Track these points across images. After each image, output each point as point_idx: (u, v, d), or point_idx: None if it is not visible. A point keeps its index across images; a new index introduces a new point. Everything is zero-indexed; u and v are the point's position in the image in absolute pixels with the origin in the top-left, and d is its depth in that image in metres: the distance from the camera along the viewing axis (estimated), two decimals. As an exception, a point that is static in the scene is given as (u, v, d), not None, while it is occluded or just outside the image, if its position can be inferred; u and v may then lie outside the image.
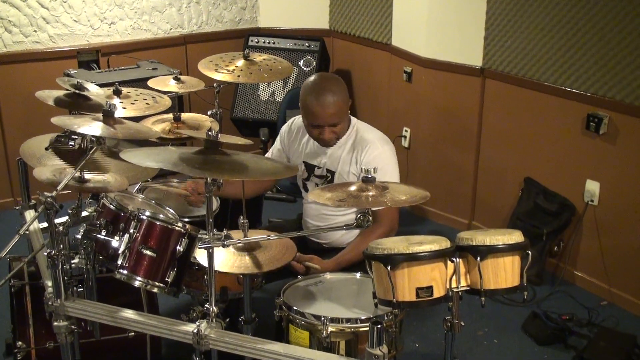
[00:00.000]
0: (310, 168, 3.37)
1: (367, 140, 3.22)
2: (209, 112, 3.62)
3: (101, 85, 3.18)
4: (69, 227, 2.48)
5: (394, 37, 5.09)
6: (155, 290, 2.55)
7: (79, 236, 2.56)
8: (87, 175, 2.54)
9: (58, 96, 2.84)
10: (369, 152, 3.18)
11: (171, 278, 2.53)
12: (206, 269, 2.40)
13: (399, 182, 3.23)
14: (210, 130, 2.35)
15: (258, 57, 3.52)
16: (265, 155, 3.64)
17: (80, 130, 2.48)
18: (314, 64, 5.48)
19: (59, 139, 2.55)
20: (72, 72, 4.70)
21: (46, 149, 2.65)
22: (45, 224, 2.83)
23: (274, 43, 5.57)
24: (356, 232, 3.25)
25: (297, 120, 3.45)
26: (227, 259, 2.52)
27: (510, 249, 2.37)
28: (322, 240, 3.37)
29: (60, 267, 2.42)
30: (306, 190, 3.43)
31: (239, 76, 3.39)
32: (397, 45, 5.06)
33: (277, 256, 2.58)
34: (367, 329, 2.19)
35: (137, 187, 3.36)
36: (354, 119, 3.31)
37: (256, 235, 2.57)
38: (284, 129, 3.51)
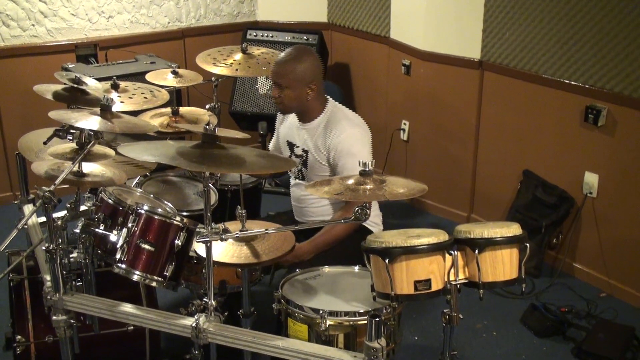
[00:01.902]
0: (291, 146, 3.43)
1: (337, 122, 3.24)
2: (207, 106, 3.62)
3: (99, 80, 3.18)
4: (67, 222, 2.49)
5: (393, 30, 5.08)
6: (154, 284, 2.56)
7: (78, 230, 2.56)
8: (85, 170, 2.54)
9: (56, 90, 2.84)
10: (337, 134, 3.20)
11: (170, 272, 2.54)
12: (205, 262, 2.40)
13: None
14: (208, 124, 2.35)
15: (256, 50, 3.52)
16: (270, 143, 3.70)
17: (78, 124, 2.48)
18: (312, 57, 5.46)
19: (57, 133, 2.55)
20: (70, 66, 4.70)
21: (45, 143, 2.66)
22: (43, 218, 2.85)
23: (272, 36, 5.55)
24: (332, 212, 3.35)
25: None
26: (225, 250, 2.52)
27: (508, 242, 2.37)
28: (299, 219, 3.47)
29: (58, 261, 2.42)
30: (290, 169, 3.49)
31: (237, 70, 3.40)
32: (396, 38, 5.05)
33: (275, 246, 2.58)
34: (366, 322, 2.19)
35: (135, 181, 3.36)
36: (331, 102, 3.33)
37: (254, 226, 2.57)
38: (278, 116, 3.58)
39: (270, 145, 3.69)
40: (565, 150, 4.15)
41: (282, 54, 3.26)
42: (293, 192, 3.52)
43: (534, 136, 4.33)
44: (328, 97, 3.35)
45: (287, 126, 3.46)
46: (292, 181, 3.52)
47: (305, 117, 3.32)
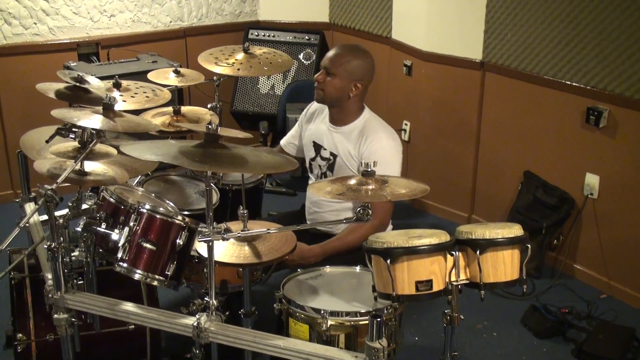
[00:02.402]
0: (317, 148, 3.39)
1: (373, 131, 3.22)
2: (208, 106, 3.62)
3: (101, 78, 3.18)
4: (69, 220, 2.49)
5: (394, 31, 5.08)
6: (155, 283, 2.56)
7: (79, 229, 2.56)
8: (87, 168, 2.55)
9: (59, 89, 2.84)
10: (372, 144, 3.18)
11: (171, 271, 2.53)
12: (206, 261, 2.40)
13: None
14: (210, 123, 2.35)
15: (258, 50, 3.52)
16: (286, 137, 3.70)
17: (81, 123, 2.48)
18: (314, 58, 5.48)
19: (59, 131, 2.55)
20: (72, 64, 4.70)
21: (47, 141, 2.66)
22: (45, 217, 2.84)
23: (273, 36, 5.56)
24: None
25: (314, 104, 3.52)
26: (226, 250, 2.53)
27: (510, 243, 2.37)
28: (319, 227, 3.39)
29: (60, 259, 2.42)
30: (311, 171, 3.48)
31: (239, 69, 3.39)
32: (397, 38, 5.06)
33: (276, 246, 2.58)
34: (367, 322, 2.19)
35: (136, 180, 3.36)
36: (367, 110, 3.33)
37: (256, 226, 2.58)
38: (304, 112, 3.58)
39: (284, 140, 3.68)
40: (567, 152, 4.16)
41: (341, 45, 3.32)
42: (310, 194, 3.47)
43: (535, 137, 4.33)
44: (365, 105, 3.34)
45: (316, 126, 3.43)
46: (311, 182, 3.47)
47: (339, 118, 3.31)
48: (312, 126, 3.46)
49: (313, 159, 3.41)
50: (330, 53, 3.26)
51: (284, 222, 2.74)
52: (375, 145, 3.17)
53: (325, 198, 3.30)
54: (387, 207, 3.19)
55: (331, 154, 3.32)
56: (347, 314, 2.51)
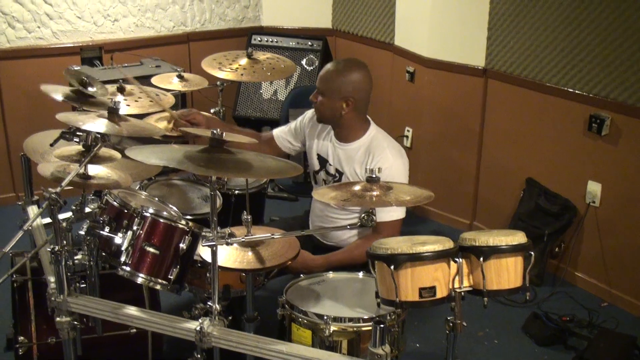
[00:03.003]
0: (322, 162, 3.34)
1: (380, 149, 3.16)
2: (211, 110, 3.63)
3: (104, 83, 3.18)
4: (72, 223, 2.49)
5: (397, 37, 5.09)
6: (158, 287, 2.57)
7: (82, 232, 2.57)
8: (90, 172, 2.55)
9: (65, 91, 2.84)
10: (379, 163, 3.09)
11: (174, 275, 2.54)
12: (209, 266, 2.40)
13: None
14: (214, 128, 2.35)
15: (261, 55, 3.53)
16: (280, 127, 3.58)
17: (85, 126, 2.48)
18: (317, 63, 5.49)
19: (63, 135, 2.56)
20: (75, 68, 4.70)
21: (51, 145, 2.66)
22: (47, 220, 2.85)
23: (276, 42, 5.57)
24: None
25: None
26: (230, 255, 2.53)
27: (513, 250, 2.37)
28: (326, 241, 3.36)
29: (63, 262, 2.42)
30: (316, 182, 3.43)
31: (242, 75, 3.40)
32: (400, 44, 5.06)
33: (280, 252, 2.59)
34: (370, 328, 2.20)
35: (139, 184, 3.37)
36: (373, 126, 3.26)
37: (259, 231, 2.58)
38: (309, 114, 3.45)
39: (278, 131, 3.55)
40: (569, 159, 4.16)
41: (334, 61, 3.26)
42: (315, 207, 3.43)
43: (537, 144, 4.33)
44: (370, 120, 3.28)
45: (321, 139, 3.35)
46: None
47: (342, 135, 3.24)
48: (317, 137, 3.38)
49: (317, 172, 3.38)
50: (322, 71, 3.20)
51: (286, 228, 2.74)
52: (382, 165, 3.03)
53: (332, 214, 3.30)
54: (395, 226, 3.13)
55: (337, 171, 3.27)
56: (350, 319, 2.51)
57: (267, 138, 3.55)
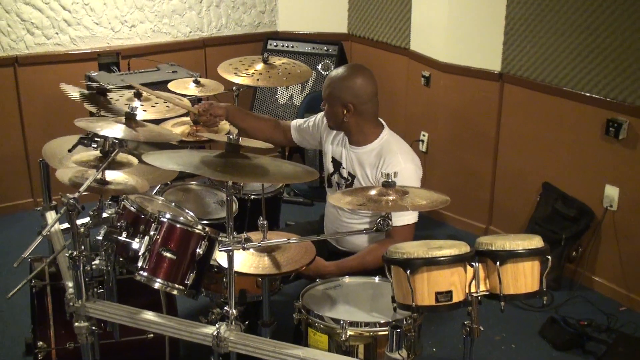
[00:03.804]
0: (336, 165, 3.34)
1: (392, 154, 3.15)
2: (228, 116, 3.63)
3: (121, 88, 3.21)
4: (90, 229, 2.51)
5: (413, 42, 5.09)
6: (175, 292, 2.57)
7: (100, 238, 2.58)
8: (108, 177, 2.57)
9: (82, 91, 2.87)
10: (390, 167, 3.10)
11: (191, 280, 2.55)
12: (225, 271, 2.41)
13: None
14: (230, 133, 2.36)
15: (277, 61, 3.54)
16: (300, 120, 3.59)
17: (103, 132, 2.50)
18: (332, 68, 5.49)
19: (81, 140, 2.58)
20: (93, 74, 4.74)
21: (69, 150, 2.68)
22: (65, 225, 2.87)
23: (292, 47, 5.58)
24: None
25: None
26: (246, 260, 2.54)
27: (530, 254, 2.36)
28: (340, 246, 3.37)
29: (81, 268, 2.44)
30: (329, 185, 3.43)
31: (258, 80, 3.41)
32: (416, 49, 5.06)
33: (295, 257, 2.59)
34: (386, 333, 2.20)
35: (156, 189, 3.38)
36: (386, 131, 3.26)
37: (275, 236, 2.58)
38: (322, 118, 3.46)
39: (296, 124, 3.57)
40: (586, 163, 4.14)
41: (336, 69, 3.25)
42: (329, 212, 3.43)
43: (553, 149, 4.32)
44: (384, 124, 3.28)
45: (336, 142, 3.36)
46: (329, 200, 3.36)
47: (354, 140, 3.24)
48: (331, 140, 3.40)
49: (332, 175, 3.39)
50: (326, 79, 3.23)
51: (302, 233, 2.74)
52: (393, 169, 3.00)
53: (345, 219, 3.30)
54: (408, 230, 3.12)
55: (349, 174, 3.28)
56: (367, 324, 2.51)
57: (285, 127, 3.59)
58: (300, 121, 3.57)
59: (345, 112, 3.14)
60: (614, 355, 3.48)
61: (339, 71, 3.20)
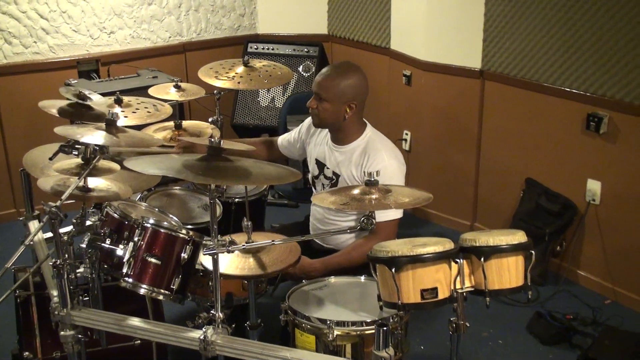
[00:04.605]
0: (320, 166, 3.36)
1: (376, 150, 3.17)
2: (209, 119, 3.63)
3: (102, 95, 3.19)
4: (73, 237, 2.49)
5: (393, 41, 5.11)
6: (161, 297, 2.57)
7: (84, 245, 2.56)
8: (90, 185, 2.55)
9: (61, 106, 2.85)
10: (374, 163, 3.12)
11: (176, 285, 2.54)
12: (211, 274, 2.41)
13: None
14: (212, 137, 2.36)
15: (258, 63, 3.53)
16: (284, 135, 3.66)
17: (84, 139, 2.49)
18: (314, 69, 5.50)
19: (62, 148, 2.56)
20: (72, 82, 4.71)
21: (50, 159, 2.67)
22: (49, 234, 2.85)
23: (272, 49, 5.59)
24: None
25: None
26: (231, 262, 2.53)
27: (514, 249, 2.37)
28: (325, 244, 3.37)
29: (65, 276, 2.42)
30: (315, 188, 3.45)
31: (239, 83, 3.40)
32: (396, 48, 5.08)
33: (280, 258, 2.59)
34: (373, 331, 2.20)
35: (139, 195, 3.37)
36: (369, 128, 3.28)
37: (259, 238, 2.58)
38: (306, 123, 3.51)
39: (282, 139, 3.63)
40: (568, 158, 4.16)
41: (329, 66, 3.25)
42: (315, 212, 3.43)
43: (536, 144, 4.34)
44: (367, 122, 3.30)
45: (318, 144, 3.39)
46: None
47: (340, 138, 3.27)
48: (314, 143, 3.43)
49: (317, 177, 3.39)
50: (319, 77, 3.21)
51: (287, 234, 2.74)
52: (377, 166, 3.10)
53: (331, 216, 3.31)
54: (391, 226, 3.15)
55: (334, 173, 3.29)
56: (353, 323, 2.51)
57: (276, 145, 3.66)
58: (284, 136, 3.64)
59: (347, 110, 3.16)
60: (600, 348, 3.50)
61: (337, 69, 3.22)
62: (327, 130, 3.34)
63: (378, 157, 3.15)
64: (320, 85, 3.19)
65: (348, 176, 3.22)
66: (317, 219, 3.40)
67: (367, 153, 3.18)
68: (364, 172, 2.97)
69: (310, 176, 3.46)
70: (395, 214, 3.13)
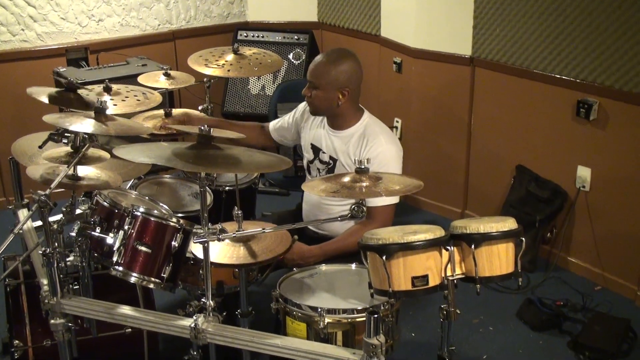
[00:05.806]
0: (316, 151, 3.36)
1: (374, 135, 3.18)
2: (199, 107, 3.62)
3: (91, 83, 3.17)
4: (63, 225, 2.48)
5: (383, 28, 5.09)
6: (152, 286, 2.56)
7: (74, 234, 2.56)
8: (80, 173, 2.54)
9: (51, 93, 2.83)
10: (373, 148, 3.14)
11: (167, 273, 2.54)
12: (202, 263, 2.40)
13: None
14: (202, 125, 2.35)
15: (247, 51, 3.52)
16: (275, 120, 3.63)
17: (73, 127, 2.48)
18: (304, 57, 5.48)
19: (52, 136, 2.55)
20: (61, 70, 4.68)
21: (40, 147, 2.65)
22: (38, 223, 2.84)
23: (262, 37, 5.56)
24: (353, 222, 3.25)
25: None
26: (222, 251, 2.53)
27: (504, 236, 2.37)
28: (320, 230, 3.37)
29: (55, 265, 2.42)
30: (309, 173, 3.44)
31: (229, 70, 3.39)
32: (386, 36, 5.06)
33: (271, 246, 2.58)
34: (364, 319, 2.20)
35: (129, 183, 3.36)
36: (367, 114, 3.28)
37: (250, 226, 2.58)
38: (300, 108, 3.49)
39: (273, 125, 3.60)
40: (558, 145, 4.17)
41: (322, 54, 3.25)
42: (310, 197, 3.43)
43: (526, 131, 4.34)
44: (364, 108, 3.30)
45: (314, 129, 3.38)
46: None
47: (337, 123, 3.27)
48: (309, 128, 3.42)
49: (311, 162, 3.39)
50: (312, 65, 3.21)
51: (279, 222, 2.74)
52: (376, 150, 3.13)
53: (326, 201, 3.30)
54: (388, 211, 3.16)
55: (331, 158, 3.29)
56: (344, 311, 2.51)
57: (266, 130, 3.62)
58: (275, 122, 3.61)
59: (340, 96, 3.16)
60: (590, 334, 3.52)
61: (330, 56, 3.21)
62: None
63: (376, 141, 3.16)
64: (312, 72, 3.19)
65: (345, 159, 3.23)
66: (313, 205, 3.39)
67: (365, 138, 3.19)
68: (361, 158, 2.98)
69: (305, 161, 3.45)
70: (393, 199, 3.14)
